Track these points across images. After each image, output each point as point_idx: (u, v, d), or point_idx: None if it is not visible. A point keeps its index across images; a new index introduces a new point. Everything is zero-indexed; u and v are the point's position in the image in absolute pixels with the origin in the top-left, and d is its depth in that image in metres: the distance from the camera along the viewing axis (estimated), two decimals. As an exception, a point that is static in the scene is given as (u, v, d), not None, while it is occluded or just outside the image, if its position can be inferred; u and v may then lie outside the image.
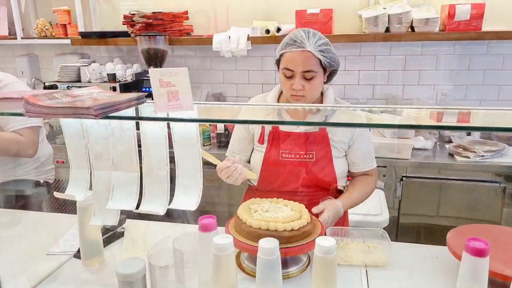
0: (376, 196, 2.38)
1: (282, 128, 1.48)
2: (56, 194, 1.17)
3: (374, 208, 2.23)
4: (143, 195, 1.18)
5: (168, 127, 1.07)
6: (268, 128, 1.48)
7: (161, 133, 1.10)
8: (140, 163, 1.15)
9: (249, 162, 1.60)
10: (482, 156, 2.31)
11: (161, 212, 1.15)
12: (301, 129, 1.47)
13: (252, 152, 1.57)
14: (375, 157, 1.60)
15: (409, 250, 1.36)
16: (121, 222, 1.53)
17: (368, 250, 1.33)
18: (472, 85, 2.80)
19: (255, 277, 1.23)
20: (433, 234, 2.47)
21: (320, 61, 1.37)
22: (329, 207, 1.41)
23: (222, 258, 0.96)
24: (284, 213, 1.28)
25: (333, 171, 1.48)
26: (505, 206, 2.34)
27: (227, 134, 2.72)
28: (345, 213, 1.62)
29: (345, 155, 1.54)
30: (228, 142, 1.69)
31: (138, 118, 0.96)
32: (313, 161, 1.46)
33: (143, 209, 1.16)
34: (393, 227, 2.48)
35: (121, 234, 1.50)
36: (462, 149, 2.39)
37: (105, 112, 0.83)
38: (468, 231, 1.32)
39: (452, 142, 2.56)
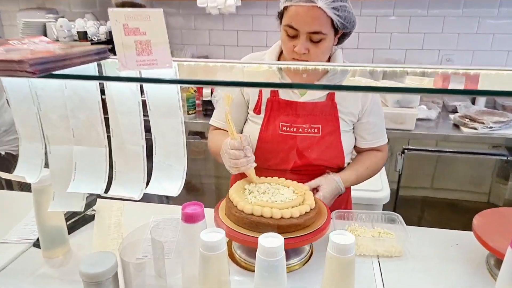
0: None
1: (283, 95, 1.26)
2: (1, 174, 0.94)
3: (374, 183, 2.05)
4: (113, 176, 0.96)
5: (142, 90, 0.84)
6: (266, 94, 1.25)
7: (133, 98, 0.87)
8: (109, 135, 0.92)
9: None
10: (491, 127, 2.14)
11: (136, 197, 0.93)
12: (306, 97, 1.25)
13: (245, 122, 1.33)
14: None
15: (425, 235, 1.19)
16: (90, 204, 1.31)
17: (380, 237, 1.15)
18: (479, 50, 2.60)
19: (250, 270, 1.06)
20: (434, 209, 2.34)
21: (332, 20, 1.13)
22: (324, 184, 1.22)
23: (212, 259, 0.76)
24: (284, 196, 1.07)
25: (341, 149, 1.28)
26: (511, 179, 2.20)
27: (216, 102, 2.48)
28: (348, 191, 1.43)
29: (353, 129, 1.33)
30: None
31: (99, 78, 0.73)
32: (318, 136, 1.25)
33: (114, 193, 0.94)
34: (391, 201, 2.32)
35: (91, 218, 1.29)
36: (469, 120, 2.22)
37: (48, 69, 0.59)
38: (496, 215, 1.14)
39: (457, 112, 2.38)
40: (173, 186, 0.90)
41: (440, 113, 2.42)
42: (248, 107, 1.31)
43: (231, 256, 1.11)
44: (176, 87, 0.83)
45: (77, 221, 1.25)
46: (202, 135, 2.43)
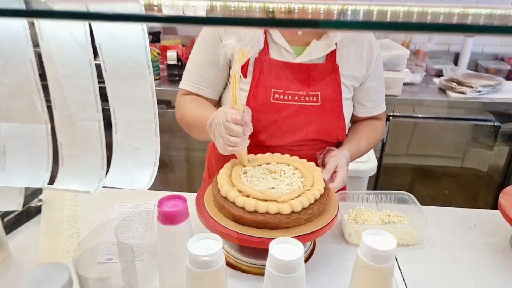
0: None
1: (275, 55, 1.02)
2: None
3: (361, 154, 1.90)
4: (60, 162, 0.71)
5: (93, 40, 0.59)
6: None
7: (82, 54, 0.62)
8: (51, 107, 0.68)
9: (218, 104, 1.14)
10: (480, 91, 2.02)
11: (92, 190, 0.70)
12: (302, 58, 1.02)
13: (225, 88, 1.10)
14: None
15: (439, 216, 1.02)
16: (35, 193, 1.05)
17: (391, 222, 0.98)
18: None
19: (245, 272, 0.86)
20: (421, 179, 2.24)
21: None
22: (342, 164, 1.02)
23: (205, 278, 0.55)
24: (287, 181, 0.87)
25: (343, 119, 1.08)
26: (497, 145, 2.12)
27: (182, 66, 2.19)
28: None
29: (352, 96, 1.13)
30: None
31: (24, 14, 0.47)
32: (317, 105, 1.04)
33: (61, 185, 0.71)
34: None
35: (37, 211, 1.03)
36: (456, 84, 2.08)
37: None
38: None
39: (442, 75, 2.24)
40: (142, 176, 0.67)
41: (424, 76, 2.28)
42: (229, 69, 1.06)
43: (218, 253, 0.91)
44: (143, 37, 0.58)
45: (19, 216, 0.99)
46: (168, 104, 2.16)
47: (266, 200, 0.78)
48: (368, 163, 1.86)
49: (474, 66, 2.51)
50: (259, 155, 0.98)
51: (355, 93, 1.12)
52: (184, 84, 1.09)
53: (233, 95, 0.85)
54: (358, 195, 1.03)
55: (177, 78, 2.20)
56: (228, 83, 1.08)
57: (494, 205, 2.23)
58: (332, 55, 1.04)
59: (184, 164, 2.29)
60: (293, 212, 0.78)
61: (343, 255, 0.90)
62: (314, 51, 1.02)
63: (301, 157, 0.99)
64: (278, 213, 0.77)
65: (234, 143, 0.83)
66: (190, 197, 0.88)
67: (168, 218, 0.63)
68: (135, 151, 0.69)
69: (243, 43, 0.79)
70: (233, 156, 0.93)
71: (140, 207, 1.07)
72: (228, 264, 0.87)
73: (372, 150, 1.94)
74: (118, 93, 0.64)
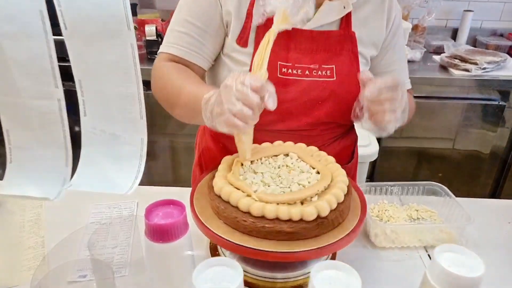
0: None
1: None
2: None
3: (361, 138, 1.75)
4: (7, 158, 0.53)
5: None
6: (256, 17, 0.82)
7: (29, 4, 0.42)
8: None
9: (204, 76, 0.94)
10: (484, 68, 1.89)
11: (52, 195, 0.52)
12: (312, 23, 0.84)
13: (217, 58, 0.90)
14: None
15: (474, 210, 0.88)
16: (-12, 193, 0.86)
17: (418, 217, 0.83)
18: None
19: (253, 286, 0.70)
20: (420, 160, 2.12)
21: None
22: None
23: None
24: (302, 178, 0.70)
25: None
26: (501, 126, 2.01)
27: (162, 42, 1.98)
28: (356, 151, 1.09)
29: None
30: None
31: None
32: (332, 80, 0.86)
33: (8, 190, 0.52)
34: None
35: (-10, 216, 0.84)
36: (459, 60, 1.95)
37: None
38: None
39: (442, 52, 2.10)
40: (123, 175, 0.49)
41: (425, 53, 2.13)
42: (225, 36, 0.87)
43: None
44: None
45: (-34, 224, 0.79)
46: (147, 85, 1.95)
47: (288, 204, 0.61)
48: (370, 147, 1.72)
49: (472, 42, 2.38)
50: (264, 145, 0.81)
51: (374, 66, 0.95)
52: (167, 47, 0.86)
53: (260, 57, 0.66)
54: (380, 187, 0.87)
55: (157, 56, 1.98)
56: (221, 54, 0.89)
57: (494, 190, 2.12)
58: (347, 20, 0.86)
59: (168, 151, 2.09)
60: (319, 217, 0.61)
61: (369, 261, 0.74)
62: (327, 14, 0.84)
63: (308, 143, 0.83)
64: (301, 219, 0.60)
65: (244, 116, 0.61)
66: (181, 194, 0.71)
67: (160, 235, 0.45)
68: (112, 140, 0.51)
69: (289, 5, 0.61)
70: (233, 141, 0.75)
71: (120, 206, 0.89)
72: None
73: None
74: (84, 58, 0.46)
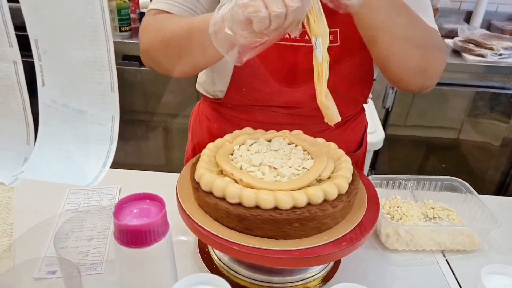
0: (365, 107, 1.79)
1: None
2: None
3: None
4: None
5: None
6: None
7: None
8: None
9: None
10: (501, 54, 1.77)
11: (8, 180, 0.43)
12: None
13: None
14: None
15: (498, 208, 0.79)
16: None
17: (434, 215, 0.74)
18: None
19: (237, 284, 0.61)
20: (427, 150, 2.03)
21: None
22: None
23: None
24: (298, 162, 0.61)
25: (370, 68, 0.80)
26: (513, 118, 1.91)
27: (158, 15, 1.85)
28: (365, 138, 0.99)
29: None
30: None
31: None
32: (336, 46, 0.75)
33: None
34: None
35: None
36: (474, 45, 1.83)
37: None
38: None
39: (456, 36, 1.98)
40: (89, 161, 0.39)
41: (438, 37, 2.01)
42: None
43: (208, 260, 0.65)
44: None
45: None
46: (140, 61, 1.83)
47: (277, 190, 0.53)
48: (375, 135, 1.62)
49: (487, 27, 2.26)
50: (257, 131, 0.71)
51: None
52: (158, 3, 0.73)
53: None
54: (392, 180, 0.78)
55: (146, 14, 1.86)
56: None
57: (501, 185, 2.02)
58: None
59: (162, 133, 1.99)
60: (325, 201, 0.53)
61: (379, 265, 0.66)
62: None
63: (310, 125, 0.73)
64: (309, 204, 0.52)
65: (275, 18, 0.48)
66: (171, 181, 0.61)
67: (133, 237, 0.36)
68: (76, 117, 0.41)
69: None
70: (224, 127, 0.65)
71: (101, 192, 0.79)
72: (211, 268, 0.62)
73: (378, 119, 1.71)
74: (41, 12, 0.35)
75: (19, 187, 0.79)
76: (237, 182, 0.55)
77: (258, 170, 0.58)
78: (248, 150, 0.63)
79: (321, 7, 0.55)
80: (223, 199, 0.53)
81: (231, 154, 0.63)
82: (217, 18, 0.54)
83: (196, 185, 0.57)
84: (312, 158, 0.62)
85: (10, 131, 0.43)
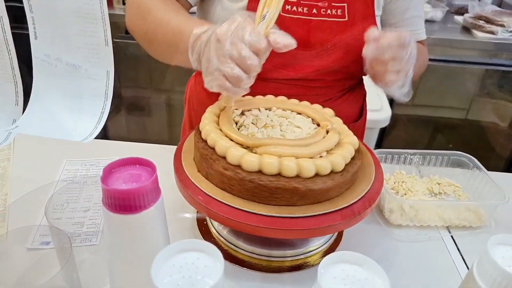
0: (371, 83, 1.75)
1: None
2: None
3: (372, 101, 1.61)
4: None
5: None
6: None
7: None
8: None
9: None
10: (512, 31, 1.72)
11: (0, 139, 0.41)
12: None
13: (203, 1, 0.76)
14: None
15: (507, 185, 0.76)
16: None
17: (440, 191, 0.72)
18: None
19: (245, 265, 0.60)
20: (434, 129, 1.99)
21: None
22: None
23: None
24: (302, 132, 0.59)
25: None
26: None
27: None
28: (364, 107, 0.97)
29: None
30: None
31: None
32: (344, 21, 0.73)
33: None
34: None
35: None
36: (484, 22, 1.78)
37: None
38: None
39: (466, 12, 1.92)
40: (83, 117, 0.38)
41: (448, 12, 1.95)
42: None
43: (205, 232, 0.64)
44: None
45: None
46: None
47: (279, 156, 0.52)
48: (381, 112, 1.59)
49: (498, 3, 2.19)
50: (255, 98, 0.68)
51: (388, 12, 0.81)
52: None
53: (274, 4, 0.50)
54: (398, 155, 0.75)
55: None
56: None
57: (509, 165, 1.99)
58: None
59: (164, 109, 1.97)
60: (332, 172, 0.51)
61: (382, 240, 0.64)
62: None
63: (315, 96, 0.71)
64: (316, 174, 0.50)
65: (238, 80, 0.51)
66: (171, 153, 0.60)
67: (121, 203, 0.34)
68: (70, 72, 0.39)
69: None
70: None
71: (98, 164, 0.77)
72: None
73: (385, 97, 1.67)
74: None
75: (16, 157, 0.77)
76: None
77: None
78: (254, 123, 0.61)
79: None
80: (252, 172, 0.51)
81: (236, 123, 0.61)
82: (194, 54, 0.56)
83: (207, 152, 0.55)
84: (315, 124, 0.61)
85: (-1, 91, 0.41)
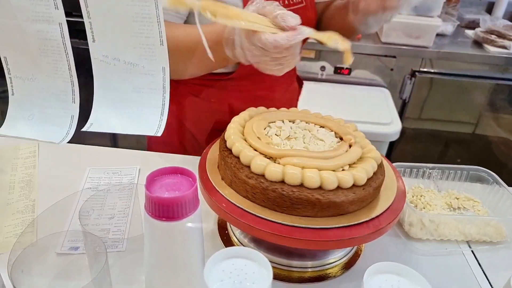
0: (381, 96, 1.77)
1: None
2: None
3: (382, 115, 1.63)
4: (9, 89, 0.44)
5: None
6: None
7: None
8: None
9: None
10: (524, 47, 1.73)
11: (57, 139, 0.43)
12: None
13: None
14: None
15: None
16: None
17: (459, 206, 0.73)
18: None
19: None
20: (442, 144, 2.00)
21: None
22: None
23: None
24: (325, 145, 0.61)
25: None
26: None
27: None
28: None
29: None
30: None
31: None
32: (302, 6, 0.77)
33: (4, 131, 0.43)
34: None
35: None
36: (496, 36, 1.79)
37: None
38: None
39: (477, 27, 1.94)
40: (146, 111, 0.40)
41: (459, 26, 1.97)
42: None
43: (226, 240, 0.65)
44: None
45: None
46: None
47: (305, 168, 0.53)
48: (391, 126, 1.60)
49: (510, 18, 2.20)
50: (280, 110, 0.70)
51: None
52: None
53: None
54: (416, 168, 0.76)
55: None
56: None
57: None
58: None
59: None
60: (355, 185, 0.52)
61: (402, 254, 0.65)
62: None
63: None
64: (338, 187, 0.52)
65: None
66: (193, 164, 0.61)
67: (164, 210, 0.35)
68: (128, 70, 0.41)
69: None
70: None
71: (120, 172, 0.79)
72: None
73: (395, 110, 1.68)
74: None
75: (41, 165, 0.79)
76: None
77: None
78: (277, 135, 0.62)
79: None
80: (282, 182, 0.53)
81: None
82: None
83: (231, 161, 0.56)
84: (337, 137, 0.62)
85: (57, 90, 0.43)
